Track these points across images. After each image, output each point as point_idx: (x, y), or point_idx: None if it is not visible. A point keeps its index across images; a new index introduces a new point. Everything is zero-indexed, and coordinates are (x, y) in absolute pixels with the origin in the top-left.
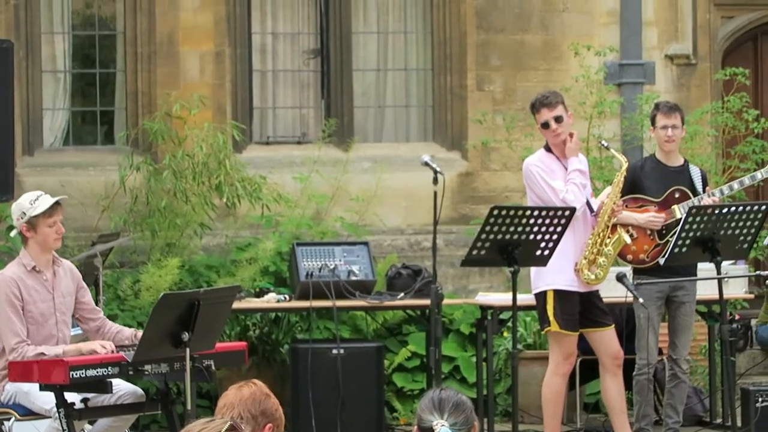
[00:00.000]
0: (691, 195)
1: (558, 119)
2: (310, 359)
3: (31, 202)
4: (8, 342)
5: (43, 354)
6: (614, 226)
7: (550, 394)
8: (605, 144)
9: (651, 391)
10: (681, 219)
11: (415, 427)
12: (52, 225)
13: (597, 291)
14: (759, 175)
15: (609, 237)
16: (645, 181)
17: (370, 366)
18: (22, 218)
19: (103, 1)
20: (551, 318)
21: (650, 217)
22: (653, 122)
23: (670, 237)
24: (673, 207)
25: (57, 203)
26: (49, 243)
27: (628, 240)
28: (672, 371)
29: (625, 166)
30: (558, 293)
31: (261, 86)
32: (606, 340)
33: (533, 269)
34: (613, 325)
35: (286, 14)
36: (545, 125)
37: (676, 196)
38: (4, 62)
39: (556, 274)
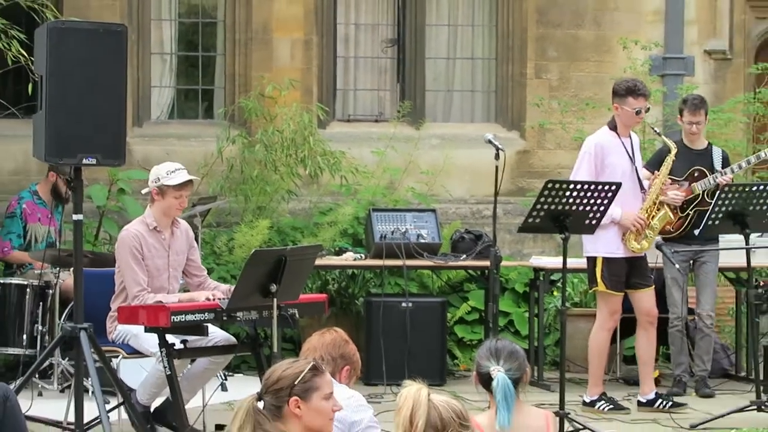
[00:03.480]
0: (708, 174)
1: (647, 110)
2: (382, 311)
3: (168, 172)
4: (131, 289)
5: (160, 302)
6: (661, 202)
7: (596, 346)
8: (657, 131)
9: (684, 342)
10: (699, 194)
11: (474, 372)
12: (178, 197)
13: (644, 255)
14: (763, 154)
15: (656, 213)
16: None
17: (434, 318)
18: (155, 182)
19: None
20: (599, 279)
21: (673, 194)
22: (681, 113)
23: (690, 210)
24: (692, 185)
25: (190, 181)
26: (171, 212)
27: (672, 216)
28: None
29: (674, 151)
30: (606, 259)
31: (344, 71)
32: (643, 298)
33: (587, 236)
34: (653, 286)
35: (367, 7)
36: (638, 112)
37: (696, 175)
38: (118, 44)
39: (605, 242)
